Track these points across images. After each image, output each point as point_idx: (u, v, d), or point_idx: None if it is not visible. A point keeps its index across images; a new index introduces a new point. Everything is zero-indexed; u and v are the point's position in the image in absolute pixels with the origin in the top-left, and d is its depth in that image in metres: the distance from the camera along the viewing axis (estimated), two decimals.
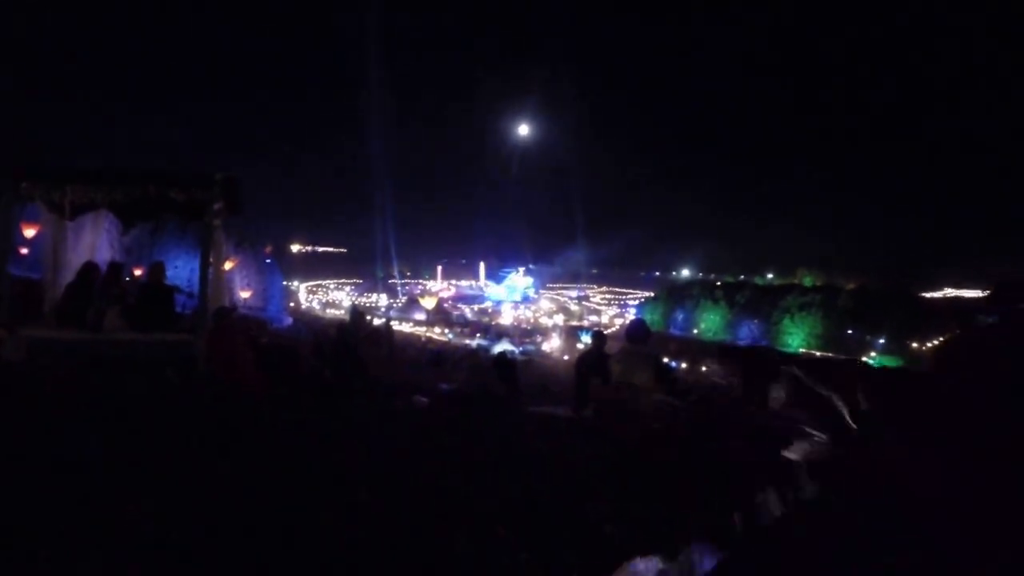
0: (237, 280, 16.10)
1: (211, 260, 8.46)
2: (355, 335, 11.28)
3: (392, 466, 4.02)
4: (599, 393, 7.09)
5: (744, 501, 3.88)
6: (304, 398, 6.48)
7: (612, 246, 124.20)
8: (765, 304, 63.01)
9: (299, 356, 9.29)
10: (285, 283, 27.37)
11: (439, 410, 7.14)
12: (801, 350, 51.53)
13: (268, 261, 21.74)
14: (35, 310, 7.52)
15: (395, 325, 29.64)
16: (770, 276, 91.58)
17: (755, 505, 3.95)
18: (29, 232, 9.12)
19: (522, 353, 27.77)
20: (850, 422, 5.14)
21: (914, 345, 48.16)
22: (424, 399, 7.93)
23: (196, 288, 7.83)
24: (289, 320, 21.61)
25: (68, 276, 7.54)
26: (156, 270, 7.91)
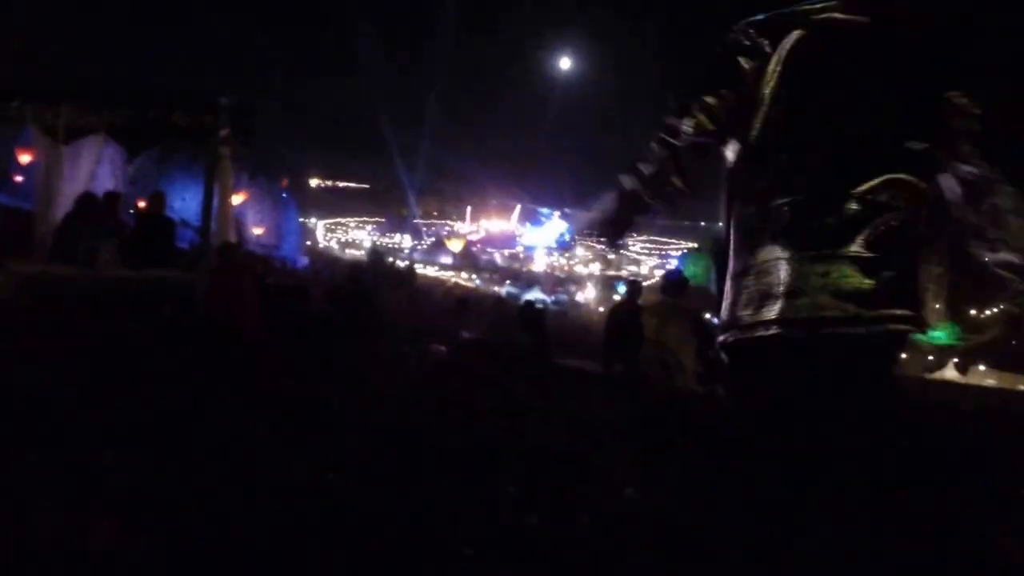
0: (249, 215, 16.02)
1: (216, 191, 8.35)
2: (372, 277, 11.25)
3: (383, 417, 3.97)
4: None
5: None
6: (308, 343, 6.44)
7: None
8: None
9: (309, 297, 9.28)
10: (302, 220, 27.27)
11: (456, 361, 7.08)
12: None
13: (284, 196, 21.66)
14: (25, 243, 7.43)
15: (419, 268, 29.61)
16: None
17: None
18: (24, 158, 9.09)
19: (554, 303, 27.54)
20: None
21: None
22: (442, 348, 7.87)
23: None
24: (305, 260, 21.68)
25: (63, 207, 7.39)
26: (155, 200, 7.74)
